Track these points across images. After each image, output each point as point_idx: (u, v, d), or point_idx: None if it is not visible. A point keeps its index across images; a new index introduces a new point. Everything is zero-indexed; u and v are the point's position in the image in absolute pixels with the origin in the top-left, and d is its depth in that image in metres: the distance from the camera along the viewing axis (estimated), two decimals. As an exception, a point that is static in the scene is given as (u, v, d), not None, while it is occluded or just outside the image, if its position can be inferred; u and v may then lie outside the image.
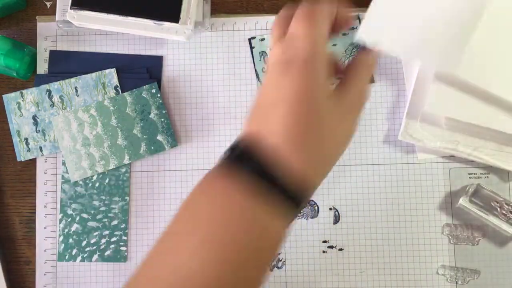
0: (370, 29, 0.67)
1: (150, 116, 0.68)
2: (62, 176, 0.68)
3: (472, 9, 0.65)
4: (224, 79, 0.69)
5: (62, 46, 0.70)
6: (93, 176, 0.68)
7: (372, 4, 0.68)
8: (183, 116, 0.69)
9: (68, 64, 0.69)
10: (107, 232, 0.67)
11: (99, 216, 0.67)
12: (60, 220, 0.67)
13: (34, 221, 0.68)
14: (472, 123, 0.64)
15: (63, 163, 0.68)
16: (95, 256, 0.67)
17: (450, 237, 0.66)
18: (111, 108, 0.68)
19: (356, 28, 0.68)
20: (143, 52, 0.69)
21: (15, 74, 0.67)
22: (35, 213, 0.68)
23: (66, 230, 0.67)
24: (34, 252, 0.68)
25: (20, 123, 0.68)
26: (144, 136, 0.68)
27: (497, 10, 0.65)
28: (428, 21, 0.66)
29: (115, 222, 0.67)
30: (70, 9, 0.64)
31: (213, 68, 0.69)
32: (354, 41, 0.68)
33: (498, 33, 0.65)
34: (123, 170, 0.68)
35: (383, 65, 0.69)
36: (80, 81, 0.68)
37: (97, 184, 0.68)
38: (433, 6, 0.66)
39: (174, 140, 0.68)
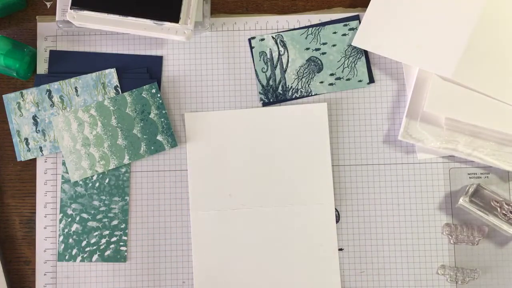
0: (367, 34, 0.68)
1: (150, 116, 0.68)
2: (62, 176, 0.68)
3: (468, 15, 0.65)
4: (224, 79, 0.69)
5: (62, 46, 0.70)
6: (93, 176, 0.68)
7: (368, 10, 0.68)
8: (183, 116, 0.69)
9: (68, 64, 0.69)
10: (107, 232, 0.67)
11: (99, 216, 0.67)
12: (60, 220, 0.67)
13: (34, 221, 0.68)
14: (472, 123, 0.64)
15: (63, 163, 0.68)
16: (95, 256, 0.67)
17: (450, 237, 0.66)
18: (111, 108, 0.68)
19: (355, 29, 0.68)
20: (143, 52, 0.69)
21: (15, 74, 0.67)
22: (35, 213, 0.68)
23: (66, 230, 0.67)
24: (34, 252, 0.68)
25: (20, 123, 0.68)
26: (144, 136, 0.68)
27: (493, 14, 0.65)
28: (423, 27, 0.66)
29: (115, 222, 0.67)
30: (70, 9, 0.64)
31: (213, 68, 0.69)
32: (352, 44, 0.68)
33: (494, 36, 0.65)
34: (123, 170, 0.68)
35: (383, 65, 0.69)
36: (80, 81, 0.68)
37: (97, 184, 0.68)
38: (429, 12, 0.66)
39: (174, 140, 0.68)
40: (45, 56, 0.69)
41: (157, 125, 0.68)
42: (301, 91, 0.68)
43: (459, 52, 0.64)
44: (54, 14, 0.68)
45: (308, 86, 0.68)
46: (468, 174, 0.67)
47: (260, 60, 0.69)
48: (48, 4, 0.71)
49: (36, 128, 0.68)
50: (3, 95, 0.69)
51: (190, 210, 0.67)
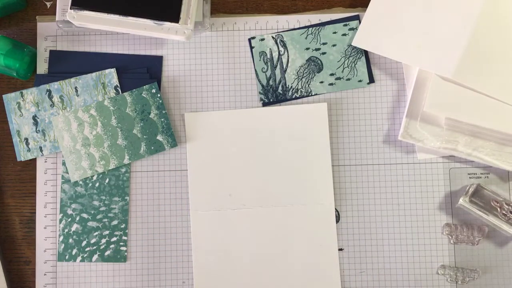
0: (367, 34, 0.68)
1: (150, 116, 0.68)
2: (62, 176, 0.68)
3: (468, 15, 0.65)
4: (224, 79, 0.69)
5: (62, 46, 0.70)
6: (93, 176, 0.68)
7: (368, 10, 0.68)
8: (183, 116, 0.69)
9: (68, 64, 0.69)
10: (107, 232, 0.67)
11: (99, 216, 0.67)
12: (60, 220, 0.67)
13: (34, 221, 0.68)
14: (472, 123, 0.64)
15: (63, 163, 0.68)
16: (95, 256, 0.67)
17: (450, 237, 0.66)
18: (111, 108, 0.68)
19: (355, 29, 0.68)
20: (143, 52, 0.69)
21: (15, 74, 0.67)
22: (35, 213, 0.68)
23: (66, 230, 0.67)
24: (34, 252, 0.68)
25: (20, 123, 0.68)
26: (144, 136, 0.68)
27: (493, 14, 0.65)
28: (423, 27, 0.66)
29: (115, 222, 0.67)
30: (70, 9, 0.64)
31: (213, 68, 0.69)
32: (352, 44, 0.68)
33: (494, 36, 0.65)
34: (123, 170, 0.68)
35: (383, 65, 0.69)
36: (80, 81, 0.68)
37: (97, 184, 0.68)
38: (429, 12, 0.66)
39: (174, 140, 0.68)
40: (45, 56, 0.69)
41: (157, 125, 0.68)
42: (301, 91, 0.68)
43: (459, 52, 0.64)
44: (54, 14, 0.68)
45: (308, 86, 0.68)
46: (468, 174, 0.67)
47: (260, 60, 0.69)
48: (48, 4, 0.71)
49: (36, 128, 0.68)
50: (3, 95, 0.69)
51: (190, 210, 0.67)
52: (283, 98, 0.68)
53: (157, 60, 0.69)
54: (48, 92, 0.68)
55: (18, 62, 0.67)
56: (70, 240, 0.67)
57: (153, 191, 0.68)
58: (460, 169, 0.67)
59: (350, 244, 0.67)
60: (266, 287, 0.66)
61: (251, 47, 0.69)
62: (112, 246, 0.67)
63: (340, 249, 0.67)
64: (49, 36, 0.70)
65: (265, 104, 0.69)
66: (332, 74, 0.68)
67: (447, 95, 0.64)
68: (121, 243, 0.67)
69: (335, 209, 0.67)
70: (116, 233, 0.67)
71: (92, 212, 0.67)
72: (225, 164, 0.67)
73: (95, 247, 0.67)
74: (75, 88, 0.68)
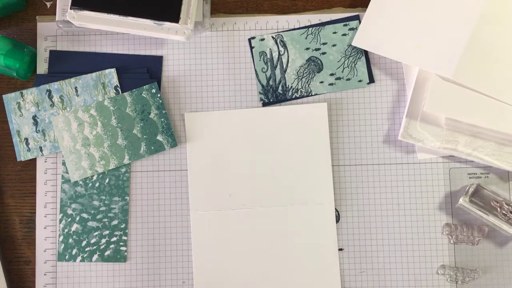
0: (367, 35, 0.68)
1: (150, 116, 0.68)
2: (62, 176, 0.68)
3: (468, 15, 0.65)
4: (224, 79, 0.69)
5: (62, 46, 0.70)
6: (93, 176, 0.68)
7: (368, 10, 0.68)
8: (183, 116, 0.69)
9: (68, 64, 0.69)
10: (107, 232, 0.67)
11: (99, 216, 0.67)
12: (60, 220, 0.67)
13: (34, 221, 0.68)
14: (472, 123, 0.64)
15: (63, 163, 0.68)
16: (95, 256, 0.67)
17: (450, 237, 0.66)
18: (111, 108, 0.68)
19: (355, 29, 0.68)
20: (143, 52, 0.69)
21: (15, 74, 0.67)
22: (35, 213, 0.68)
23: (66, 230, 0.67)
24: (34, 252, 0.68)
25: (20, 123, 0.68)
26: (144, 136, 0.68)
27: (493, 14, 0.65)
28: (423, 27, 0.66)
29: (115, 222, 0.67)
30: (70, 9, 0.64)
31: (213, 68, 0.69)
32: (352, 44, 0.68)
33: (494, 36, 0.65)
34: (123, 170, 0.68)
35: (383, 65, 0.69)
36: (80, 81, 0.68)
37: (97, 184, 0.68)
38: (428, 12, 0.67)
39: (174, 140, 0.68)
40: (45, 56, 0.69)
41: (157, 125, 0.68)
42: (301, 91, 0.68)
43: (459, 52, 0.64)
44: (54, 14, 0.68)
45: (308, 86, 0.68)
46: (468, 174, 0.67)
47: (260, 60, 0.69)
48: (48, 4, 0.71)
49: (36, 128, 0.68)
50: (3, 95, 0.69)
51: (190, 210, 0.67)
52: (283, 98, 0.68)
53: (157, 60, 0.69)
54: (48, 92, 0.68)
55: (18, 62, 0.67)
56: (70, 240, 0.67)
57: (153, 191, 0.68)
58: (460, 169, 0.67)
59: (350, 244, 0.67)
60: (266, 287, 0.66)
61: (251, 47, 0.69)
62: (112, 246, 0.67)
63: (340, 249, 0.67)
64: (49, 36, 0.70)
65: (265, 104, 0.69)
66: (332, 74, 0.68)
67: (447, 95, 0.64)
68: (121, 243, 0.67)
69: (335, 209, 0.67)
70: (116, 233, 0.67)
71: (92, 212, 0.67)
72: (225, 164, 0.67)
73: (95, 247, 0.67)
74: (75, 88, 0.68)
